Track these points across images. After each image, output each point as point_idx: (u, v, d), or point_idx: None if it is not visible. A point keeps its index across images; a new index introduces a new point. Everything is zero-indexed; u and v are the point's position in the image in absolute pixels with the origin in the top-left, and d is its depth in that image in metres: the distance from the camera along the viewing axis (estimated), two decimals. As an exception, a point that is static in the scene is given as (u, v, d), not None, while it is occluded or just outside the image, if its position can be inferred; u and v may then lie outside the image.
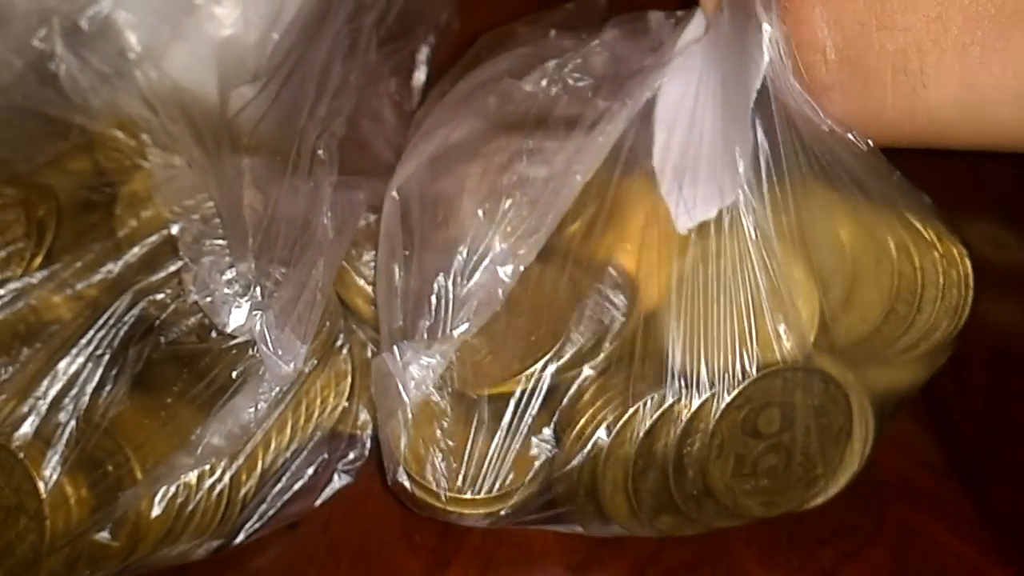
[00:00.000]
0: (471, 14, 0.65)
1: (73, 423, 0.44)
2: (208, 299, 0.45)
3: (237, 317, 0.45)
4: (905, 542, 0.49)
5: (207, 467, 0.46)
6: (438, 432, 0.45)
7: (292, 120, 0.51)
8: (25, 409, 0.44)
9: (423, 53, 0.64)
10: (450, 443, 0.45)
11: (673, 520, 0.47)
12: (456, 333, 0.44)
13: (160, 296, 0.46)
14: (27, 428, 0.44)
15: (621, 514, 0.46)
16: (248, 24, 0.55)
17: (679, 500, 0.45)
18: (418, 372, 0.44)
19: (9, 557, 0.43)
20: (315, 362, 0.48)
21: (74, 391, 0.44)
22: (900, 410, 0.47)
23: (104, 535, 0.44)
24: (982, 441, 0.50)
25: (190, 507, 0.45)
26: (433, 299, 0.44)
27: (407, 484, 0.45)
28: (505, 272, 0.44)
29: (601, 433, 0.44)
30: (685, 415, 0.44)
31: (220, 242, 0.46)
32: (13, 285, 0.47)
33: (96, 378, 0.45)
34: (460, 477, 0.45)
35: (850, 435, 0.46)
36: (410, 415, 0.45)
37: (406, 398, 0.44)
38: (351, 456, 0.51)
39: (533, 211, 0.44)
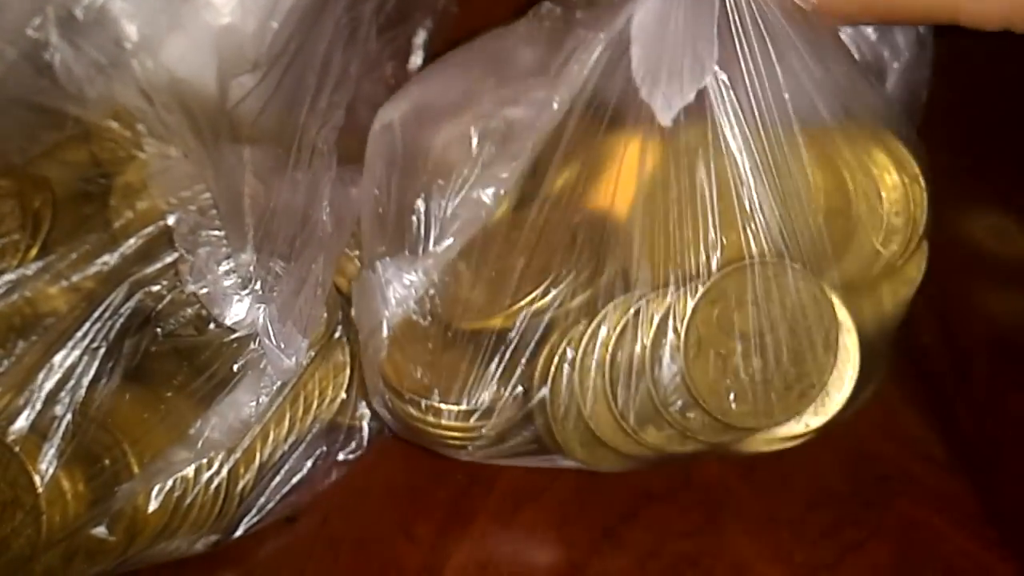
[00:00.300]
0: (470, 6, 0.64)
1: (69, 416, 0.44)
2: (206, 291, 0.44)
3: (238, 310, 0.45)
4: (908, 536, 0.49)
5: (205, 461, 0.45)
6: (420, 350, 0.46)
7: (293, 112, 0.51)
8: (20, 402, 0.44)
9: (420, 37, 0.64)
10: (431, 359, 0.46)
11: (660, 435, 0.46)
12: (439, 249, 0.45)
13: (157, 288, 0.46)
14: (22, 422, 0.44)
15: (606, 428, 0.45)
16: (246, 13, 0.54)
17: (661, 407, 0.45)
18: (400, 290, 0.46)
19: (5, 552, 0.42)
20: (312, 354, 0.48)
21: (70, 384, 0.44)
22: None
23: (101, 530, 0.44)
24: (985, 434, 0.50)
25: (187, 501, 0.45)
26: (414, 219, 0.45)
27: (387, 397, 0.46)
28: (486, 195, 0.45)
29: (570, 347, 0.45)
30: (657, 315, 0.44)
31: (217, 233, 0.45)
32: (8, 277, 0.47)
33: (92, 371, 0.44)
34: (440, 390, 0.46)
35: (838, 344, 0.45)
36: (390, 331, 0.46)
37: (387, 313, 0.45)
38: (350, 447, 0.51)
39: (514, 140, 0.45)
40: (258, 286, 0.44)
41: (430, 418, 0.46)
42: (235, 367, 0.45)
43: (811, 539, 0.49)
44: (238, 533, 0.48)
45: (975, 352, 0.50)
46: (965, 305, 0.51)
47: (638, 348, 0.44)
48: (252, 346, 0.45)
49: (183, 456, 0.44)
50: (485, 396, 0.46)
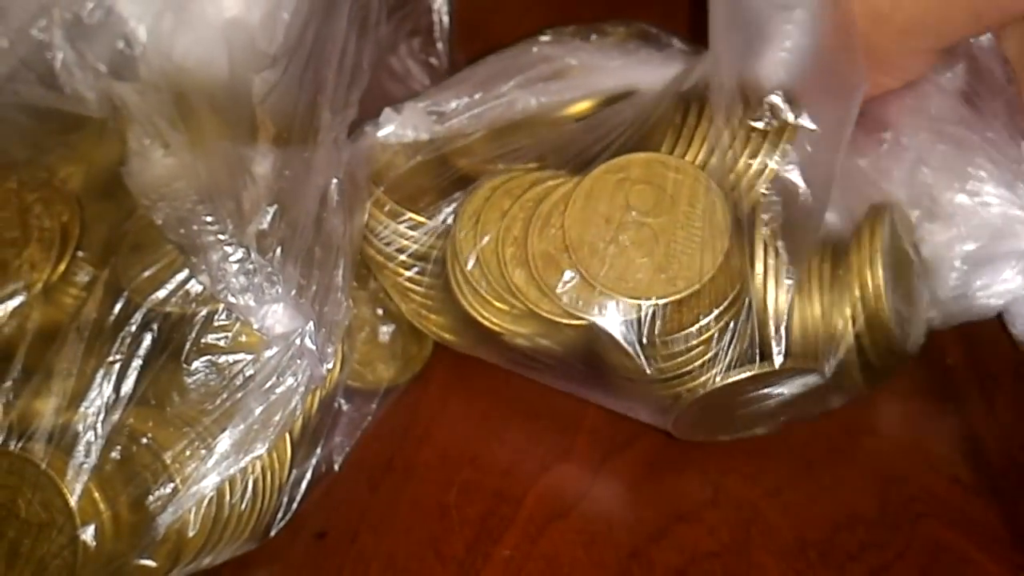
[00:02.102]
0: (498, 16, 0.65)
1: (103, 434, 0.43)
2: (234, 299, 0.43)
3: (272, 320, 0.44)
4: (935, 559, 0.49)
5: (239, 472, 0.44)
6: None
7: (310, 109, 0.50)
8: (52, 420, 0.43)
9: (439, 3, 0.63)
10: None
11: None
12: None
13: (187, 299, 0.44)
14: (53, 440, 0.43)
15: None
16: (251, 4, 0.54)
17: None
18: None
19: (43, 575, 0.41)
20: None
21: (103, 400, 0.43)
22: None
23: (147, 561, 0.43)
24: (1011, 458, 0.50)
25: (225, 515, 0.44)
26: None
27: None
28: None
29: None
30: None
31: (212, 227, 0.44)
32: (36, 291, 0.46)
33: (124, 386, 0.44)
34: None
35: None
36: None
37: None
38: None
39: None
40: (291, 294, 0.43)
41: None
42: (269, 378, 0.45)
43: (838, 561, 0.49)
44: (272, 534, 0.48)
45: (1001, 375, 0.51)
46: (991, 328, 0.51)
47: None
48: (284, 354, 0.44)
49: (219, 470, 0.43)
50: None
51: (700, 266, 0.45)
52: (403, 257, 0.50)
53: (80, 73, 0.51)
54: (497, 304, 0.48)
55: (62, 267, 0.47)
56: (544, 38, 0.56)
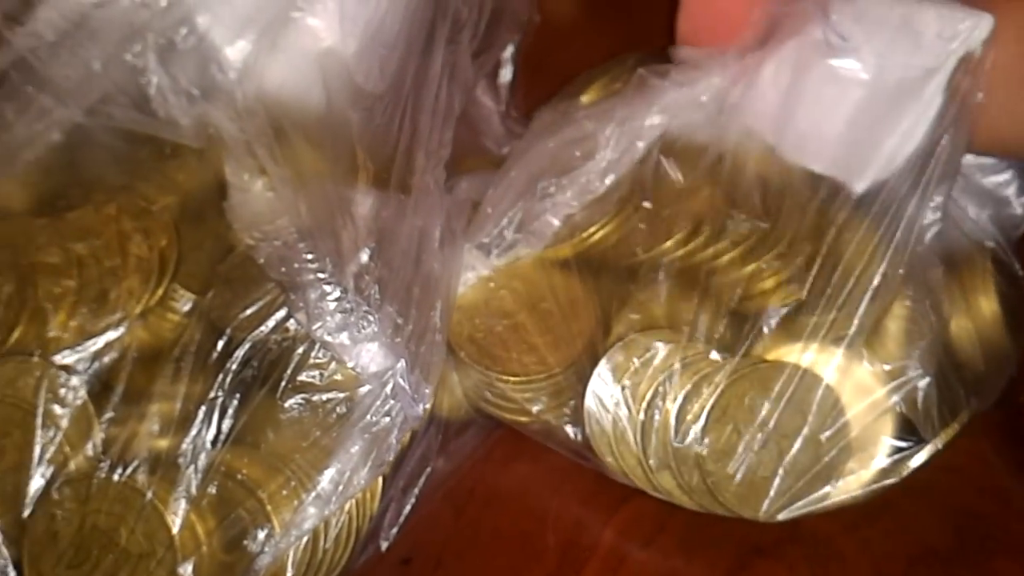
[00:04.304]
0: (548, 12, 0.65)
1: (203, 468, 0.44)
2: (330, 338, 0.44)
3: (367, 359, 0.44)
4: (1011, 597, 0.49)
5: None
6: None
7: (407, 151, 0.50)
8: (153, 451, 0.44)
9: (508, 52, 0.64)
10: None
11: (673, 484, 0.48)
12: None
13: (286, 336, 0.45)
14: (156, 471, 0.44)
15: (629, 458, 0.49)
16: (346, 35, 0.54)
17: (673, 459, 0.48)
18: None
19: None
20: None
21: (204, 434, 0.44)
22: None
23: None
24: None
25: (319, 557, 0.45)
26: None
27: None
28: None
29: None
30: (699, 375, 0.48)
31: (312, 266, 0.45)
32: (135, 319, 0.46)
33: (224, 422, 0.45)
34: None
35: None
36: None
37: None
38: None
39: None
40: (387, 333, 0.44)
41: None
42: (360, 415, 0.46)
43: (914, 600, 0.49)
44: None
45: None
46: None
47: (673, 399, 0.47)
48: (378, 394, 0.45)
49: (317, 511, 0.44)
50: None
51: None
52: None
53: (174, 98, 0.51)
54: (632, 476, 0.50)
55: (160, 293, 0.48)
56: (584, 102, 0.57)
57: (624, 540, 0.51)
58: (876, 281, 0.46)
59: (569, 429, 0.50)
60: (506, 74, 0.64)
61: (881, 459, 0.47)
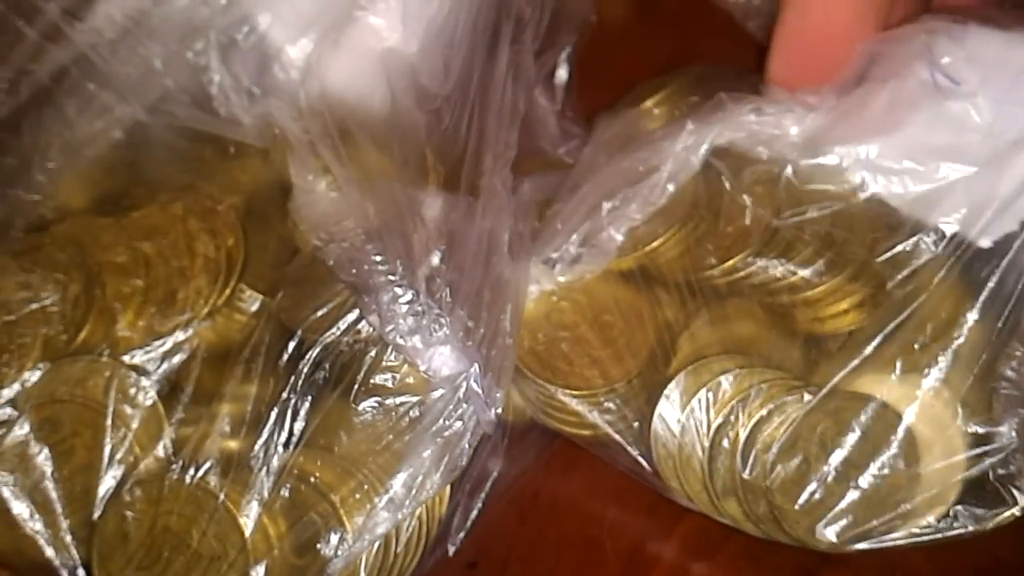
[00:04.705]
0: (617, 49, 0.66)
1: (275, 471, 0.44)
2: (402, 341, 0.44)
3: (437, 361, 0.44)
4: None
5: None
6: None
7: (476, 153, 0.50)
8: (224, 452, 0.45)
9: (564, 53, 0.63)
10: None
11: (739, 510, 0.48)
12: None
13: (358, 339, 0.45)
14: (227, 473, 0.44)
15: (694, 482, 0.48)
16: (409, 35, 0.54)
17: (740, 486, 0.47)
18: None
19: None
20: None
21: (276, 436, 0.44)
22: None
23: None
24: None
25: (391, 559, 0.45)
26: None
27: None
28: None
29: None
30: (771, 403, 0.47)
31: (382, 268, 0.45)
32: (203, 320, 0.46)
33: (296, 424, 0.45)
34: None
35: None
36: None
37: None
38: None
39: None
40: (459, 336, 0.44)
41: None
42: (432, 419, 0.45)
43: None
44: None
45: None
46: None
47: (743, 426, 0.46)
48: (451, 398, 0.45)
49: (390, 516, 0.44)
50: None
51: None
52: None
53: (235, 97, 0.51)
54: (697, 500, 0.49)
55: (227, 293, 0.48)
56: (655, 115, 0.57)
57: (691, 546, 0.51)
58: (968, 325, 0.45)
59: (631, 449, 0.49)
60: (562, 74, 0.64)
61: (956, 508, 0.46)
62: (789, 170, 0.49)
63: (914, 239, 0.46)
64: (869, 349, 0.46)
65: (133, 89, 0.52)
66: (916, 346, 0.45)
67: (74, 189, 0.52)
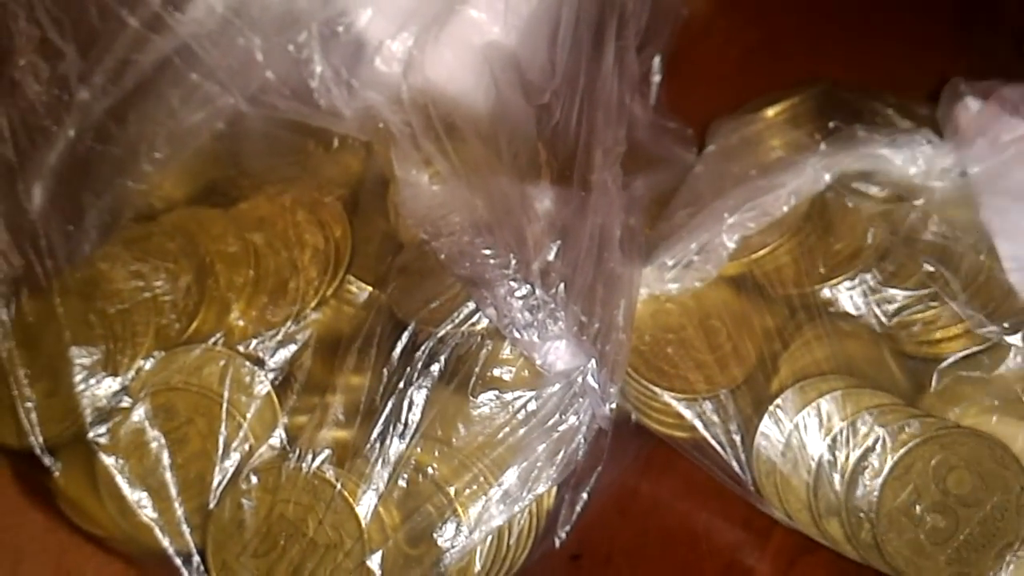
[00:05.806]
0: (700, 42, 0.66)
1: (392, 461, 0.44)
2: (518, 335, 0.44)
3: (553, 356, 0.44)
4: None
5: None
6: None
7: (586, 147, 0.50)
8: (339, 442, 0.44)
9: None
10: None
11: (840, 532, 0.47)
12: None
13: (473, 332, 0.45)
14: (344, 462, 0.44)
15: (796, 501, 0.48)
16: (509, 28, 0.54)
17: (844, 508, 0.46)
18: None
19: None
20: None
21: (393, 427, 0.44)
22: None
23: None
24: None
25: (504, 550, 0.45)
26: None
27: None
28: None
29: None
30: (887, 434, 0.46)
31: (494, 262, 0.45)
32: (313, 309, 0.46)
33: (412, 415, 0.45)
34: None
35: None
36: None
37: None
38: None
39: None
40: (572, 332, 0.44)
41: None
42: (548, 413, 0.45)
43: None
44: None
45: None
46: None
47: (853, 448, 0.46)
48: (566, 392, 0.45)
49: (505, 509, 0.44)
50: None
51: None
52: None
53: (336, 89, 0.51)
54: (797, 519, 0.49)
55: (336, 284, 0.48)
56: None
57: (792, 541, 0.51)
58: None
59: (729, 457, 0.49)
60: (656, 69, 0.63)
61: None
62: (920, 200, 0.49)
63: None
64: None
65: (234, 80, 0.52)
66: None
67: (179, 179, 0.52)
